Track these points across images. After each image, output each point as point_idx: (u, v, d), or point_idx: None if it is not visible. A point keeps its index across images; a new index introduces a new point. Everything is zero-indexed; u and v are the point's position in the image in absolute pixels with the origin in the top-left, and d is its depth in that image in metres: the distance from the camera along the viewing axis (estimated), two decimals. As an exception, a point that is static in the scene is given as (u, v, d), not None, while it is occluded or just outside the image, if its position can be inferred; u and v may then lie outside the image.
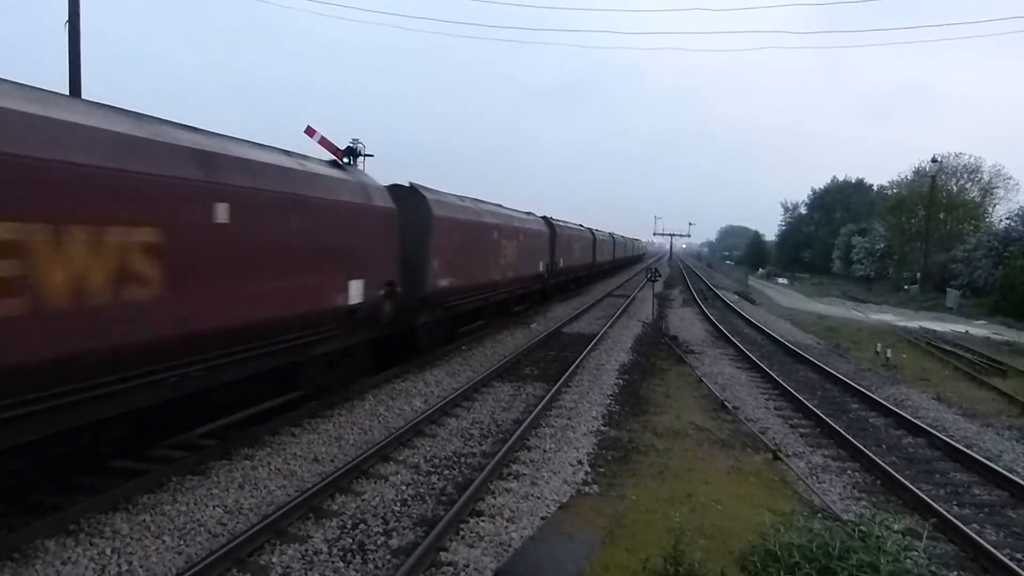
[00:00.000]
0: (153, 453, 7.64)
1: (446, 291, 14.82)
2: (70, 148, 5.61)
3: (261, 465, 8.03)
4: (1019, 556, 6.69)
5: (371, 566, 5.87)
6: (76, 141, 5.69)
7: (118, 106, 6.72)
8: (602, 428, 10.31)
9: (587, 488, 7.89)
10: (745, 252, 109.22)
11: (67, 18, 12.62)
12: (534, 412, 10.50)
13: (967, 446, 10.12)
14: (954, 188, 54.19)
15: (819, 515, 6.37)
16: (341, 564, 5.85)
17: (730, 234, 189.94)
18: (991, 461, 9.41)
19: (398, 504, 7.19)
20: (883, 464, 8.96)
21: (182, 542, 6.10)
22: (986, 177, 54.22)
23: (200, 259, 7.06)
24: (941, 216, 50.80)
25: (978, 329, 27.32)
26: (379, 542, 6.28)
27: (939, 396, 13.92)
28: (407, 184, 13.88)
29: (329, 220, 9.58)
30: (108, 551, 5.80)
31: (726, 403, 12.23)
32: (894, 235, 54.96)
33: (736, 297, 38.34)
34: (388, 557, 6.02)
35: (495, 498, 7.44)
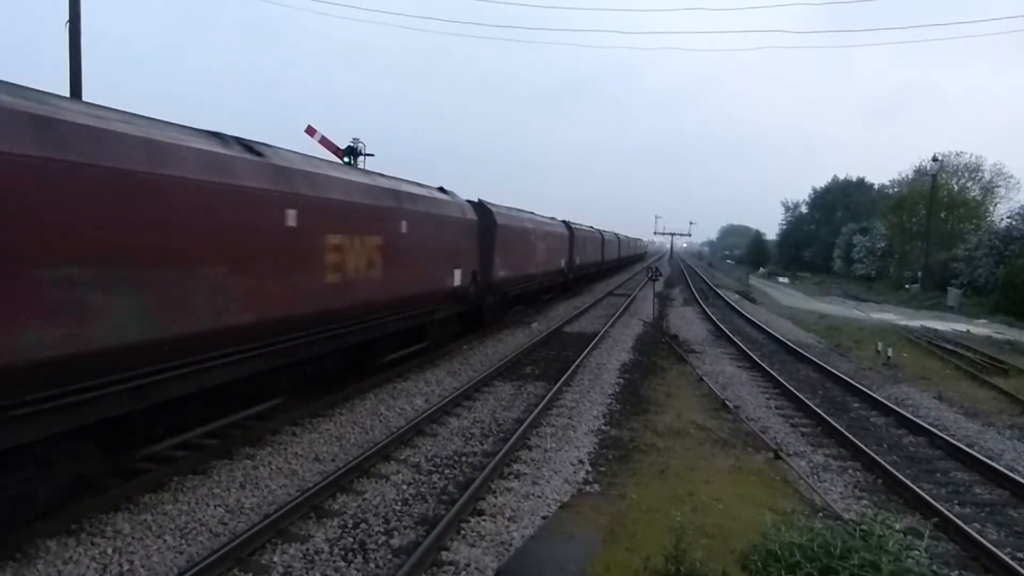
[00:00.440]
0: (153, 453, 7.64)
1: (503, 280, 19.34)
2: (356, 195, 10.44)
3: (262, 464, 8.04)
4: (1020, 555, 6.68)
5: (372, 565, 5.87)
6: (359, 191, 10.62)
7: (356, 167, 11.35)
8: (603, 427, 10.31)
9: (588, 487, 7.89)
10: (746, 251, 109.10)
11: (68, 18, 12.63)
12: (535, 411, 10.50)
13: (968, 445, 10.11)
14: (955, 187, 54.09)
15: (820, 514, 6.35)
16: (342, 563, 5.85)
17: (731, 233, 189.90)
18: (992, 460, 9.41)
19: (399, 503, 7.20)
20: (884, 463, 8.95)
21: (183, 541, 6.10)
22: (987, 176, 54.25)
23: (395, 255, 11.57)
24: (942, 215, 50.68)
25: (979, 328, 27.29)
26: (380, 541, 6.28)
27: (940, 395, 13.91)
28: (477, 200, 18.25)
29: (444, 229, 14.30)
30: (109, 550, 5.81)
31: (727, 402, 12.22)
32: (895, 234, 54.90)
33: (737, 296, 38.32)
34: (389, 556, 6.03)
35: (496, 497, 7.44)
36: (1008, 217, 44.65)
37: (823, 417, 11.22)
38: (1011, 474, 8.76)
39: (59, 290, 5.44)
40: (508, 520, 6.86)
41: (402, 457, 8.63)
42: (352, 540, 6.28)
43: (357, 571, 5.76)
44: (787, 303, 37.61)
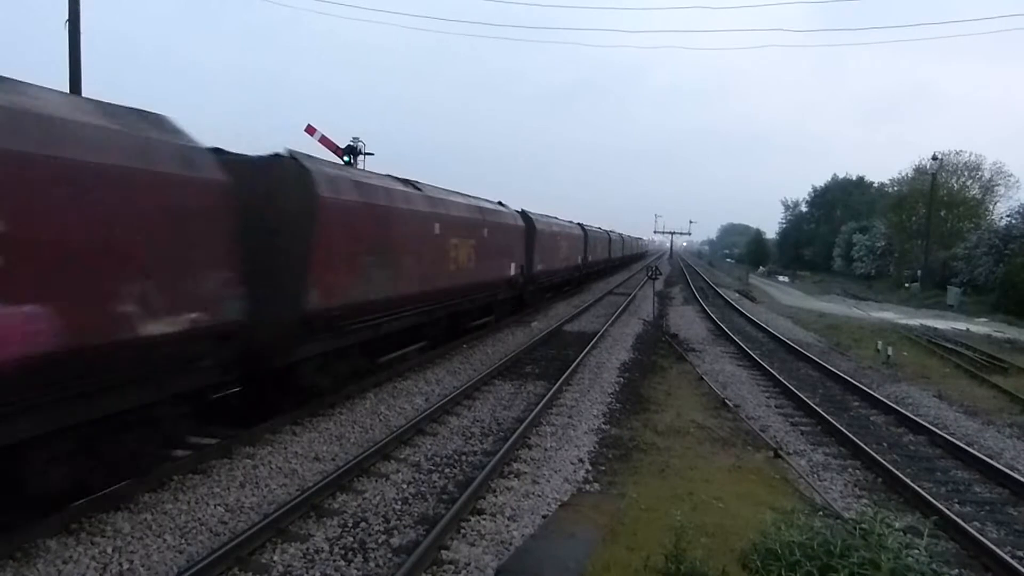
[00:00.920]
0: (152, 453, 7.63)
1: (539, 273, 24.37)
2: (464, 211, 15.82)
3: (262, 464, 8.04)
4: (1020, 554, 6.69)
5: (372, 565, 5.87)
6: (465, 208, 16.07)
7: (438, 185, 15.75)
8: (603, 426, 10.32)
9: (588, 486, 7.90)
10: (746, 250, 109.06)
11: (67, 17, 12.62)
12: (535, 410, 10.50)
13: (968, 444, 10.12)
14: (955, 186, 54.02)
15: (820, 513, 6.36)
16: (342, 563, 5.85)
17: (731, 232, 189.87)
18: (992, 459, 9.41)
19: (399, 502, 7.20)
20: (884, 462, 8.96)
21: (183, 541, 6.11)
22: (987, 175, 54.10)
23: (481, 252, 16.55)
24: (942, 214, 50.68)
25: (979, 327, 27.29)
26: (380, 540, 6.28)
27: (940, 394, 13.92)
28: (520, 210, 23.30)
29: (505, 233, 19.58)
30: (109, 550, 5.81)
31: (727, 401, 12.23)
32: (895, 233, 54.89)
33: (737, 295, 38.34)
34: (389, 555, 6.03)
35: (496, 496, 7.45)
36: (1008, 216, 44.73)
37: (823, 416, 11.22)
38: (1011, 472, 8.77)
39: (363, 267, 10.46)
40: (508, 519, 6.86)
41: (402, 456, 8.63)
42: (352, 539, 6.28)
43: (357, 570, 5.76)
44: (787, 302, 37.60)
